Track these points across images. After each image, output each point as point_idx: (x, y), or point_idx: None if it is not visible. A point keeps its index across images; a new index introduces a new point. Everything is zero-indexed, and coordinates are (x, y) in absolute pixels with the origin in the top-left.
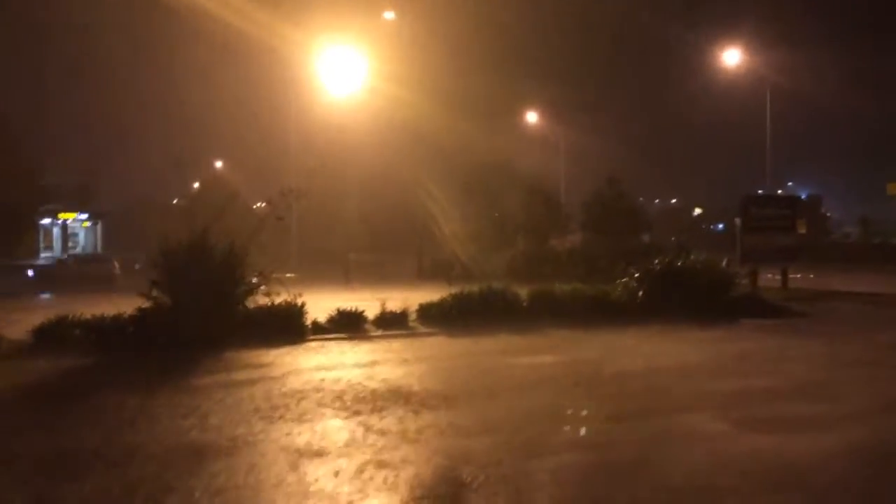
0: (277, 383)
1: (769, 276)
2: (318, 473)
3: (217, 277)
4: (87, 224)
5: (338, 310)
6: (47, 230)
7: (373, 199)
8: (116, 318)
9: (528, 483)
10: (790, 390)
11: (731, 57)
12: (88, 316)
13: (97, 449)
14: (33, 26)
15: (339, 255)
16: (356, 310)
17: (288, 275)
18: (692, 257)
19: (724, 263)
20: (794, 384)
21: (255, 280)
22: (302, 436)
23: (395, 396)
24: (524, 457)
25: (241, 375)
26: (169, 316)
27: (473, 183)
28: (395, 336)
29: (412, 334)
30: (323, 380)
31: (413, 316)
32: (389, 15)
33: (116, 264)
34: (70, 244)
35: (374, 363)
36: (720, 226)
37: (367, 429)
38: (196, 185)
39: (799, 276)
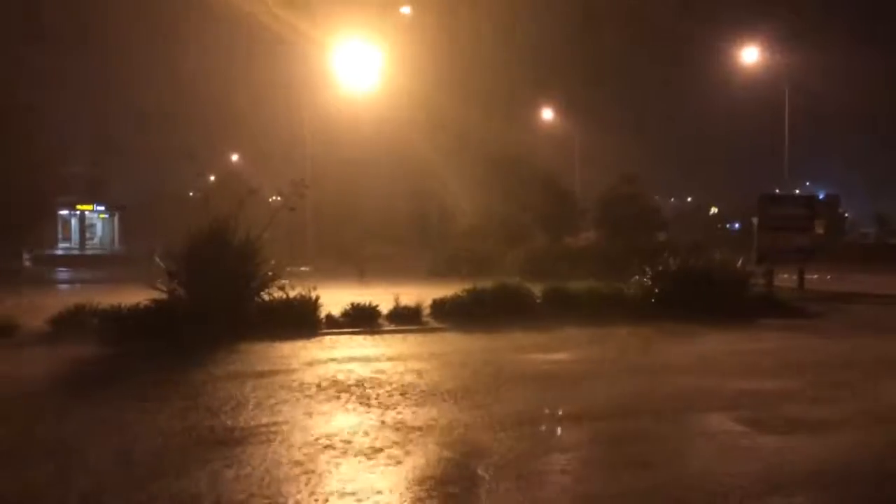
0: (292, 376)
1: (785, 276)
2: (332, 464)
3: (233, 269)
4: (105, 216)
5: (352, 304)
6: (65, 221)
7: (388, 193)
8: (133, 309)
9: (536, 478)
10: (805, 391)
11: (750, 55)
12: (106, 305)
13: (108, 436)
14: (53, 17)
15: (353, 249)
16: (370, 304)
17: (302, 268)
18: (708, 256)
19: (739, 263)
20: (810, 385)
21: (269, 273)
22: (316, 427)
23: (406, 391)
24: (533, 452)
25: (255, 367)
26: (185, 307)
27: (488, 178)
28: (409, 331)
29: (425, 329)
30: (335, 373)
31: (426, 311)
32: (405, 10)
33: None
34: (87, 235)
35: (386, 358)
36: (736, 225)
37: (380, 422)
38: (212, 177)
39: (816, 276)
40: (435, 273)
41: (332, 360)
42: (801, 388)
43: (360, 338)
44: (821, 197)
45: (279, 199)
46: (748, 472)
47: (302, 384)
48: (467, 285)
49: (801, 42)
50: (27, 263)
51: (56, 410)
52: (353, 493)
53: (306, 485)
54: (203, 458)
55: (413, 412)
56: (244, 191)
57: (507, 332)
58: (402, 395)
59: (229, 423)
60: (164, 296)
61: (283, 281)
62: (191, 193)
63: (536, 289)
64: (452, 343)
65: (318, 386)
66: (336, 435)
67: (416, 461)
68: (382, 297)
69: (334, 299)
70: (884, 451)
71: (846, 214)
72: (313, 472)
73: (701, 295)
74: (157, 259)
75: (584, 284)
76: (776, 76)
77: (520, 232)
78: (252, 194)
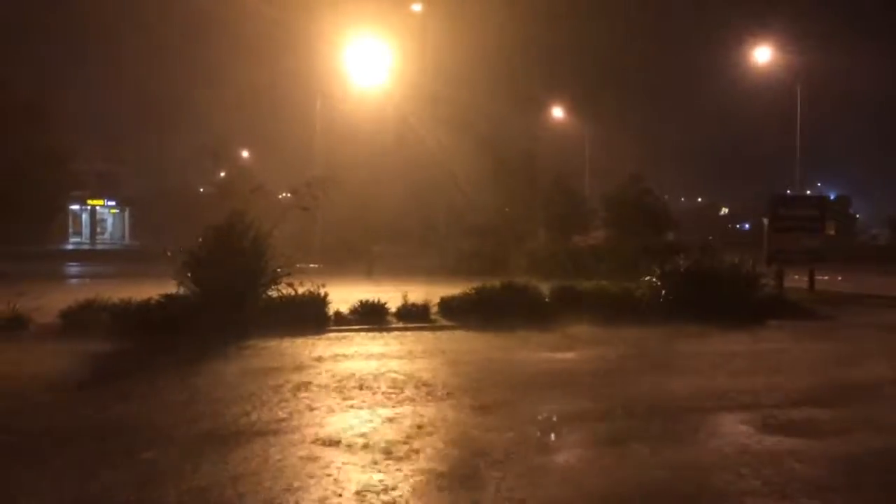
0: (301, 372)
1: (796, 277)
2: (336, 460)
3: (242, 266)
4: (116, 211)
5: (360, 301)
6: (76, 216)
7: (397, 191)
8: (144, 304)
9: (540, 475)
10: (815, 393)
11: (762, 54)
12: (117, 300)
13: (115, 432)
14: (66, 13)
15: (362, 246)
16: (378, 301)
17: (311, 265)
18: (717, 257)
19: (750, 264)
20: (820, 387)
21: (279, 269)
22: (322, 424)
23: (415, 388)
24: (539, 450)
25: (264, 363)
26: (195, 302)
27: (497, 176)
28: (416, 329)
29: (433, 327)
30: (344, 370)
31: (434, 309)
32: (417, 7)
33: None
34: (98, 230)
35: (394, 355)
36: (747, 225)
37: (388, 419)
38: (222, 174)
39: (826, 278)
40: (443, 271)
41: (341, 356)
42: (812, 390)
43: (368, 335)
44: (832, 198)
45: (289, 195)
46: (759, 473)
47: (310, 380)
48: (475, 284)
49: (816, 41)
50: None
51: (63, 406)
52: (362, 490)
53: (315, 481)
54: (211, 453)
55: (422, 409)
56: (251, 187)
57: (515, 331)
58: (410, 392)
59: (237, 418)
60: (175, 291)
61: (292, 277)
62: (201, 189)
63: (544, 288)
64: (460, 341)
65: (327, 382)
66: (344, 431)
67: (425, 458)
68: (391, 295)
69: (343, 296)
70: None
71: (857, 216)
72: (321, 467)
73: (710, 295)
74: (169, 254)
75: (592, 284)
76: (789, 75)
77: (528, 231)
78: (257, 191)
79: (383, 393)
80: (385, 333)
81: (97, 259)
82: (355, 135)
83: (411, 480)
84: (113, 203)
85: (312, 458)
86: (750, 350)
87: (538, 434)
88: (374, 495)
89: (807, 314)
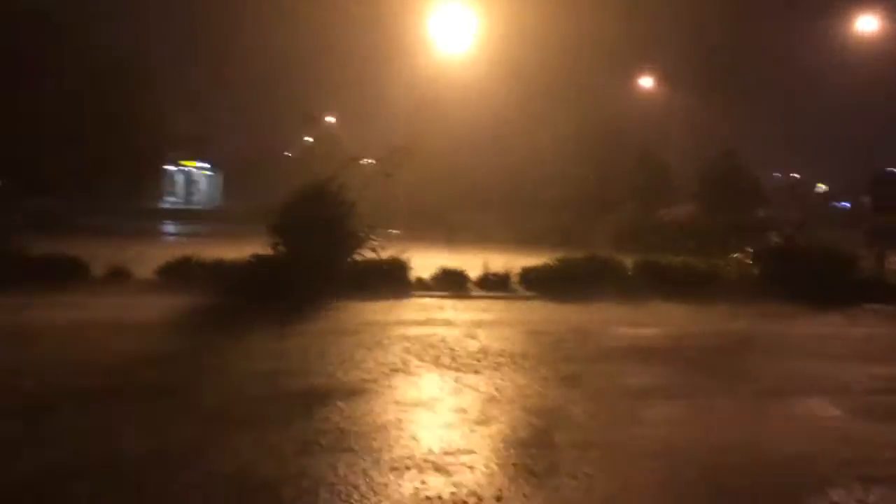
0: (382, 335)
1: None
2: (416, 421)
3: (329, 229)
4: (208, 172)
5: (441, 268)
6: (171, 176)
7: (479, 159)
8: (234, 263)
9: (617, 449)
10: None
11: (868, 23)
12: (210, 258)
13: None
14: None
15: (443, 213)
16: (459, 269)
17: (393, 231)
18: (812, 235)
19: (849, 244)
20: None
21: (363, 234)
22: (402, 386)
23: (492, 356)
24: (616, 425)
25: (347, 325)
26: (283, 263)
27: (582, 146)
28: (497, 298)
29: (513, 297)
30: (425, 335)
31: (515, 279)
32: None
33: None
34: (191, 191)
35: (473, 322)
36: (846, 204)
37: (464, 384)
38: (309, 138)
39: None
40: (523, 241)
41: (422, 322)
42: None
43: (448, 301)
44: None
45: (374, 162)
46: (848, 458)
47: (392, 344)
48: (556, 255)
49: None
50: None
51: (164, 355)
52: (441, 450)
53: (396, 440)
54: (298, 410)
55: (501, 377)
56: (344, 155)
57: (596, 304)
58: (490, 360)
59: (322, 377)
60: (265, 251)
61: (376, 242)
62: (288, 154)
63: (628, 261)
64: (541, 312)
65: (408, 346)
66: (424, 394)
67: (503, 424)
68: (471, 263)
69: (423, 263)
70: None
71: None
72: (401, 428)
73: (803, 275)
74: (259, 216)
75: (678, 260)
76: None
77: (612, 203)
78: (353, 161)
79: (463, 359)
80: (465, 301)
81: (190, 218)
82: (439, 103)
83: (490, 444)
84: (205, 165)
85: (394, 419)
86: (844, 333)
87: (618, 407)
88: (452, 456)
89: None
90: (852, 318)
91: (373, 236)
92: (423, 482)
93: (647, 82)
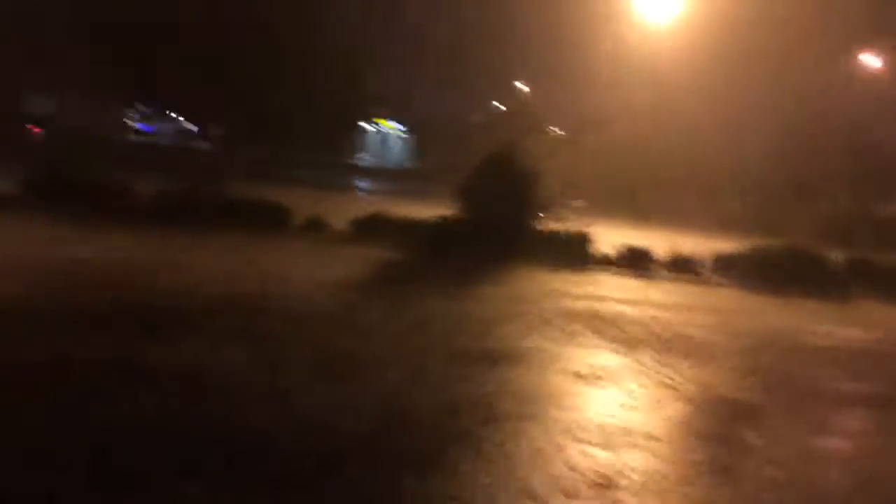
0: (558, 305)
1: None
2: (586, 394)
3: (513, 195)
4: (400, 132)
5: (625, 245)
6: (365, 134)
7: (674, 137)
8: (420, 222)
9: (805, 456)
10: None
11: None
12: (398, 215)
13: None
14: None
15: (630, 190)
16: (644, 247)
17: (576, 202)
18: None
19: None
20: None
21: (546, 203)
22: (574, 358)
23: (677, 341)
24: (805, 431)
25: (524, 291)
26: (466, 226)
27: (789, 128)
28: (684, 280)
29: (702, 282)
30: (603, 310)
31: (704, 263)
32: None
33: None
34: (384, 149)
35: (657, 304)
36: None
37: (640, 364)
38: (498, 104)
39: None
40: (715, 225)
41: (603, 297)
42: None
43: (630, 279)
44: None
45: (561, 131)
46: None
47: (568, 314)
48: (751, 242)
49: None
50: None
51: (363, 303)
52: (610, 427)
53: (559, 411)
54: (467, 370)
55: (682, 363)
56: (534, 123)
57: (796, 299)
58: (674, 344)
59: (496, 340)
60: (451, 213)
61: (559, 212)
62: (478, 117)
63: (835, 256)
64: (732, 301)
65: (586, 319)
66: (597, 369)
67: (679, 411)
68: (657, 242)
69: (607, 237)
70: None
71: None
72: (568, 399)
73: None
74: (447, 177)
75: None
76: None
77: (816, 191)
78: (542, 129)
79: (643, 340)
80: (649, 281)
81: (382, 176)
82: (638, 75)
83: (661, 427)
84: (398, 125)
85: (561, 389)
86: None
87: (807, 409)
88: (622, 436)
89: None
90: None
91: (556, 206)
92: (593, 457)
93: (875, 61)
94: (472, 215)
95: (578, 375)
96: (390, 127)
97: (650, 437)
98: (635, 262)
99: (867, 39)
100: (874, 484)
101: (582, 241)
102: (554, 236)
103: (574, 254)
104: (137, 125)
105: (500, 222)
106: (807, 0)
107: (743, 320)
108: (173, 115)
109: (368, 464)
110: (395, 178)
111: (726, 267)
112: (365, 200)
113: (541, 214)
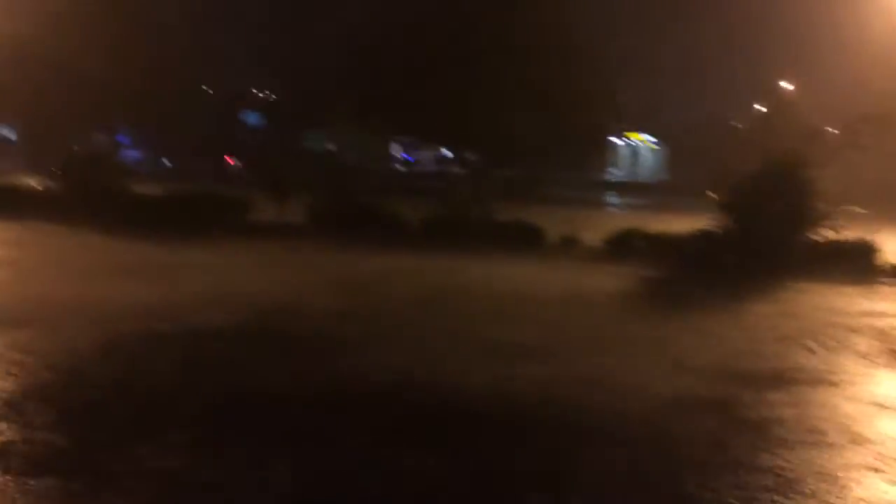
0: (843, 323)
1: None
2: (885, 426)
3: (786, 207)
4: (651, 144)
5: None
6: (615, 148)
7: None
8: (677, 237)
9: None
10: None
11: None
12: (652, 231)
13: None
14: None
15: None
16: None
17: (858, 209)
18: None
19: None
20: None
21: (824, 212)
22: (867, 383)
23: None
24: None
25: (801, 309)
26: (730, 240)
27: None
28: None
29: None
30: (893, 328)
31: None
32: None
33: None
34: (635, 163)
35: None
36: None
37: None
38: (760, 107)
39: None
40: None
41: (893, 314)
42: None
43: None
44: None
45: (836, 132)
46: None
47: (856, 333)
48: None
49: None
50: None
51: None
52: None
53: (853, 446)
54: (746, 392)
55: None
56: (802, 126)
57: None
58: None
59: (774, 361)
60: (712, 227)
61: (837, 222)
62: (737, 125)
63: None
64: None
65: (877, 339)
66: (888, 396)
67: None
68: None
69: (894, 247)
70: None
71: None
72: (862, 431)
73: None
74: (709, 194)
75: None
76: None
77: None
78: (816, 133)
79: None
80: None
81: (634, 191)
82: None
83: None
84: (649, 137)
85: (855, 418)
86: None
87: None
88: None
89: None
90: None
91: (834, 214)
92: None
93: None
94: (737, 229)
95: (871, 404)
96: (641, 139)
97: None
98: None
99: None
100: None
101: (866, 251)
102: (833, 248)
103: (857, 266)
104: (401, 154)
105: (769, 235)
106: None
107: None
108: (432, 144)
109: None
110: (648, 193)
111: None
112: (617, 216)
113: (816, 225)
